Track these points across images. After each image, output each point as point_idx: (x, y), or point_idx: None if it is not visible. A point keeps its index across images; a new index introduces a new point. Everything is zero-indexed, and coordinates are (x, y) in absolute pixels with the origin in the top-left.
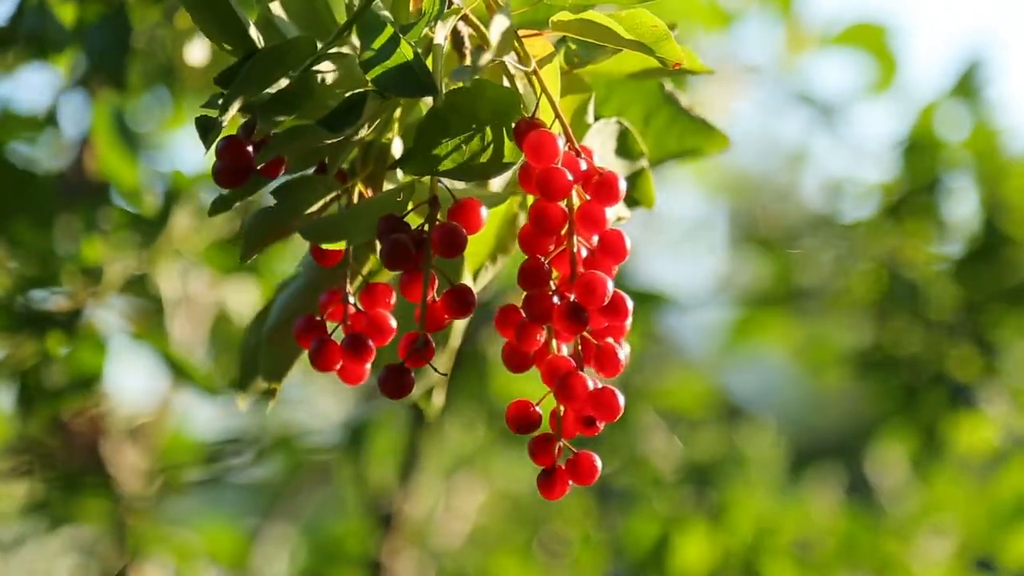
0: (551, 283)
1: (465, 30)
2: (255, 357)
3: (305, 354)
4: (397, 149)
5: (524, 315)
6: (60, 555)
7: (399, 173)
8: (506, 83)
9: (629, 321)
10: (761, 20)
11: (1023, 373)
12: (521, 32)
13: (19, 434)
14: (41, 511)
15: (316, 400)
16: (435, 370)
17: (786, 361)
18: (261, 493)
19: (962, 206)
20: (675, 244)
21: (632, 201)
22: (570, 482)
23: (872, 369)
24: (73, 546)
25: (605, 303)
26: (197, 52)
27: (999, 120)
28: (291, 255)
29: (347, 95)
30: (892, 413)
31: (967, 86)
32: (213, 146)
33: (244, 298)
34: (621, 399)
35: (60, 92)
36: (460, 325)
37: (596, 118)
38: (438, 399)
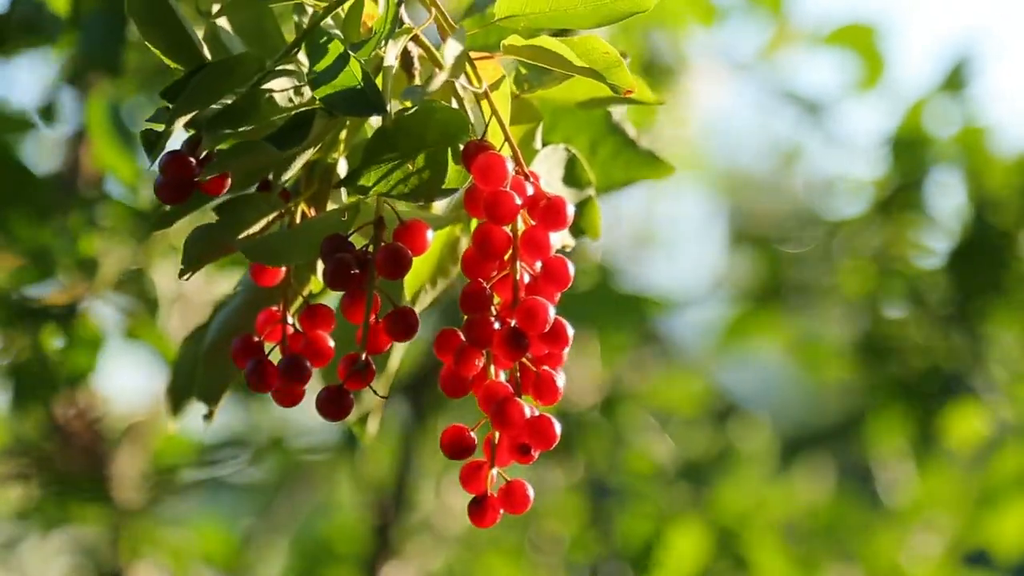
0: (492, 308)
1: (415, 50)
2: (189, 376)
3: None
4: (342, 170)
5: (464, 339)
6: (55, 557)
7: (344, 193)
8: (454, 105)
9: (568, 348)
10: (750, 17)
11: (1013, 363)
12: (472, 54)
13: (15, 437)
14: (37, 513)
15: (310, 400)
16: (375, 392)
17: (781, 358)
18: (256, 494)
19: (951, 201)
20: (669, 242)
21: (578, 230)
22: (501, 511)
23: (865, 364)
24: (68, 548)
25: (546, 330)
26: None
27: (987, 115)
28: None
29: (295, 113)
30: (886, 406)
31: (955, 82)
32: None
33: None
34: (558, 428)
35: (56, 85)
36: (400, 348)
37: (543, 145)
38: (372, 426)
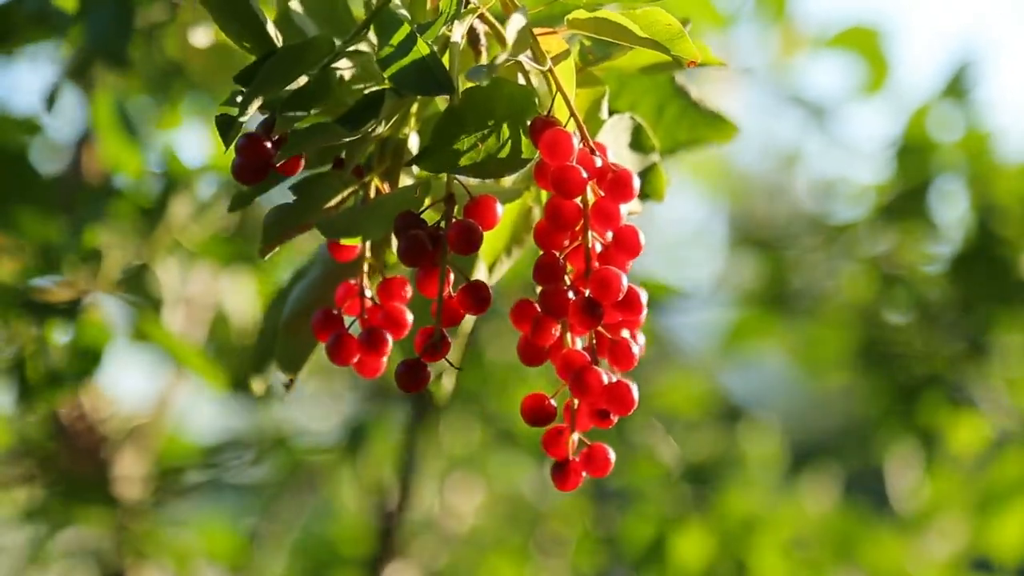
0: (566, 278)
1: (481, 28)
2: (270, 345)
3: (321, 345)
4: (413, 145)
5: (539, 309)
6: (59, 557)
7: (415, 169)
8: (521, 80)
9: (643, 315)
10: (756, 23)
11: (1015, 369)
12: (536, 30)
13: (20, 438)
14: (41, 514)
15: (314, 400)
16: (449, 363)
17: (784, 362)
18: (260, 494)
19: (954, 207)
20: (673, 245)
21: (643, 195)
22: (584, 474)
23: (867, 369)
24: (72, 548)
25: (620, 298)
26: (201, 36)
27: (990, 121)
28: (294, 251)
29: (365, 93)
30: (888, 412)
31: (958, 88)
32: (233, 143)
33: (242, 298)
34: (635, 392)
35: (60, 77)
36: (471, 317)
37: (610, 113)
38: (448, 384)
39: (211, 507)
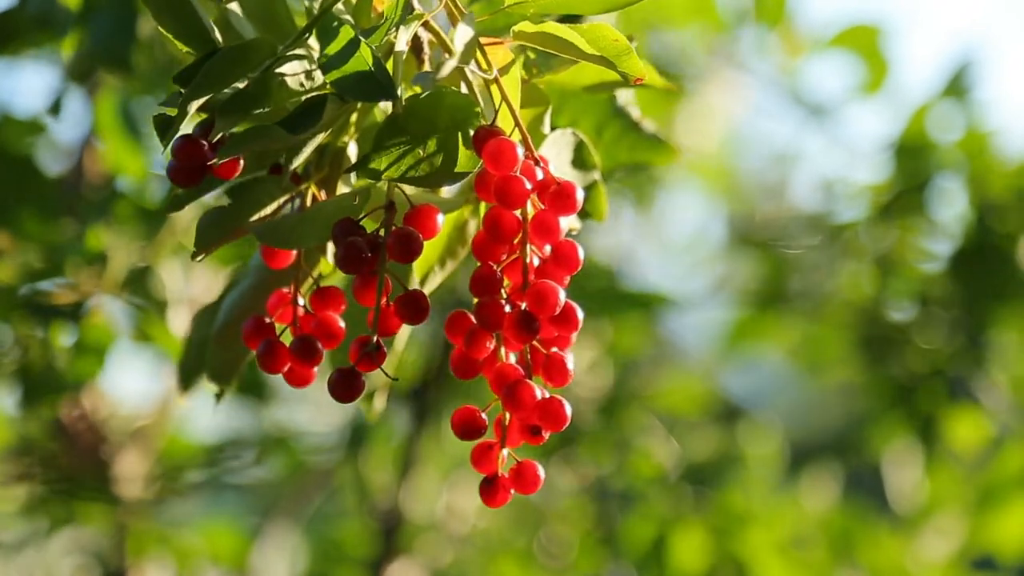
0: (503, 291)
1: (425, 36)
2: (199, 355)
3: (252, 355)
4: (352, 153)
5: (475, 322)
6: (61, 556)
7: (353, 178)
8: (463, 90)
9: (577, 331)
10: (756, 24)
11: (1015, 365)
12: (482, 40)
13: (21, 437)
14: (42, 513)
15: (316, 400)
16: (387, 375)
17: (783, 361)
18: (262, 493)
19: (954, 206)
20: (673, 245)
21: (583, 213)
22: (512, 491)
23: (867, 367)
24: (74, 547)
25: (556, 313)
26: None
27: (990, 120)
28: None
29: (306, 97)
30: (888, 410)
31: (958, 87)
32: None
33: None
34: (568, 409)
35: (63, 82)
36: (407, 328)
37: (551, 129)
38: (379, 402)
39: (213, 507)
